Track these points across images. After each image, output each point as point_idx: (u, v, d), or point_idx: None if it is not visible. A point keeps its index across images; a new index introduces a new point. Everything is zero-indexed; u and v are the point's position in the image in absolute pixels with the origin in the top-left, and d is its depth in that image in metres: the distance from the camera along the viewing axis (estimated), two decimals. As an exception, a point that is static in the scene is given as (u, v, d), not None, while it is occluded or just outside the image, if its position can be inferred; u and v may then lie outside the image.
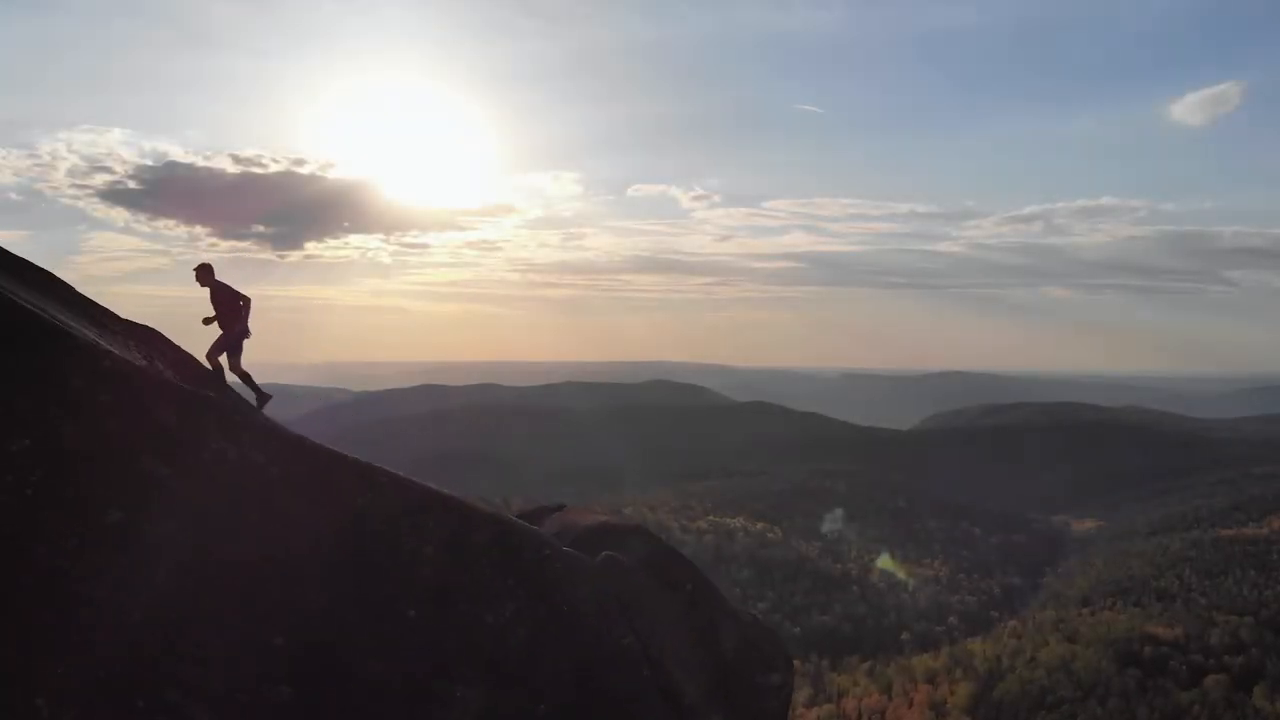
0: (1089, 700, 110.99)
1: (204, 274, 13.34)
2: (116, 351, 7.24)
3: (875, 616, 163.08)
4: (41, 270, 11.01)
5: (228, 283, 13.52)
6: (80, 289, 13.01)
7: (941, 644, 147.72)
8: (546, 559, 8.59)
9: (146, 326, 12.96)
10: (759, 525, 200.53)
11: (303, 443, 7.32)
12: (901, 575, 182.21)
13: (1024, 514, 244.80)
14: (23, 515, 5.46)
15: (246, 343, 13.59)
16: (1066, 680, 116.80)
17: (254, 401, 13.33)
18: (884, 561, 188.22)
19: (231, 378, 13.44)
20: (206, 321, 13.45)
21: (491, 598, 7.69)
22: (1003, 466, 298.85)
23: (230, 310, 13.30)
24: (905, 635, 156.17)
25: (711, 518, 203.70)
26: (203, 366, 13.14)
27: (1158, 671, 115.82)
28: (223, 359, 13.32)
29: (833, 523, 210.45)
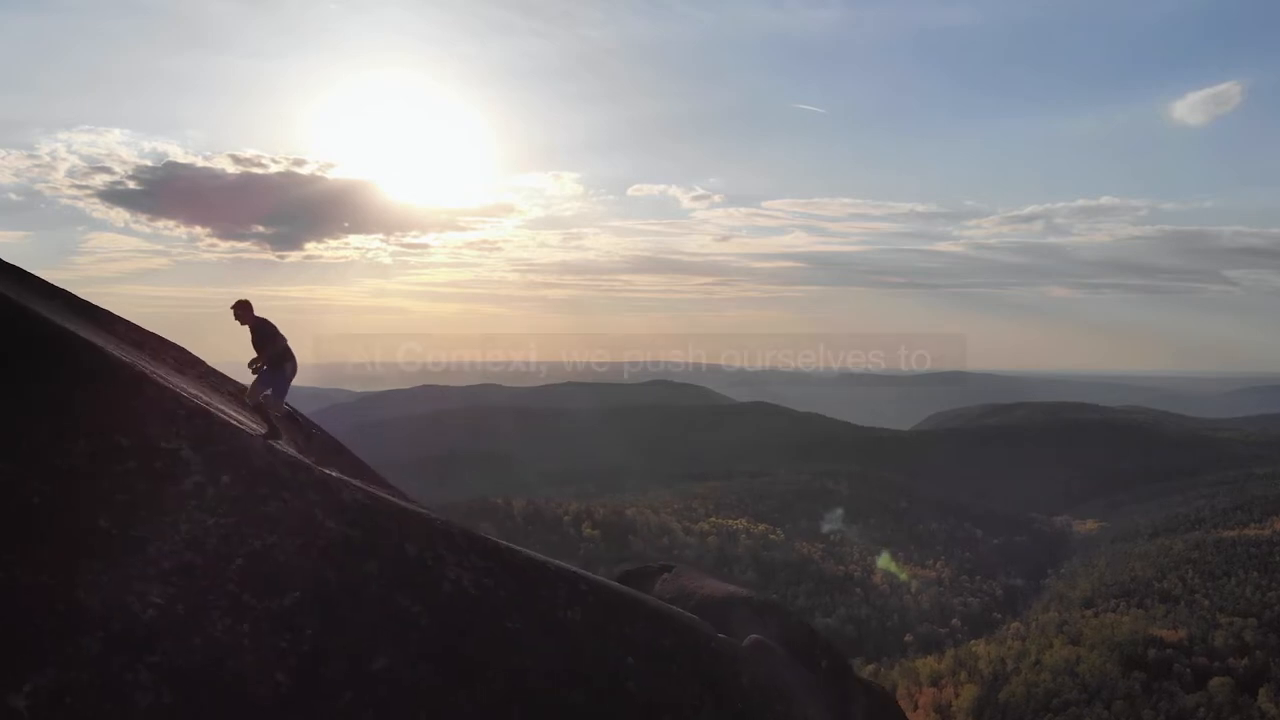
0: (1094, 703, 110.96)
1: (243, 311, 12.42)
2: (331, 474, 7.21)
3: (879, 618, 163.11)
4: (173, 343, 10.90)
5: (268, 319, 12.59)
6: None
7: (945, 646, 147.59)
8: (715, 654, 8.64)
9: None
10: (761, 527, 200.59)
11: (515, 555, 7.31)
12: (904, 577, 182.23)
13: (1025, 515, 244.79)
14: (302, 674, 5.47)
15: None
16: (1071, 683, 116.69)
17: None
18: (883, 561, 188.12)
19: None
20: (254, 365, 12.41)
21: (686, 707, 7.74)
22: (1003, 467, 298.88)
23: (270, 348, 12.39)
24: (909, 637, 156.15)
25: (714, 519, 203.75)
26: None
27: (1162, 674, 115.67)
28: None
29: (833, 522, 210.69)
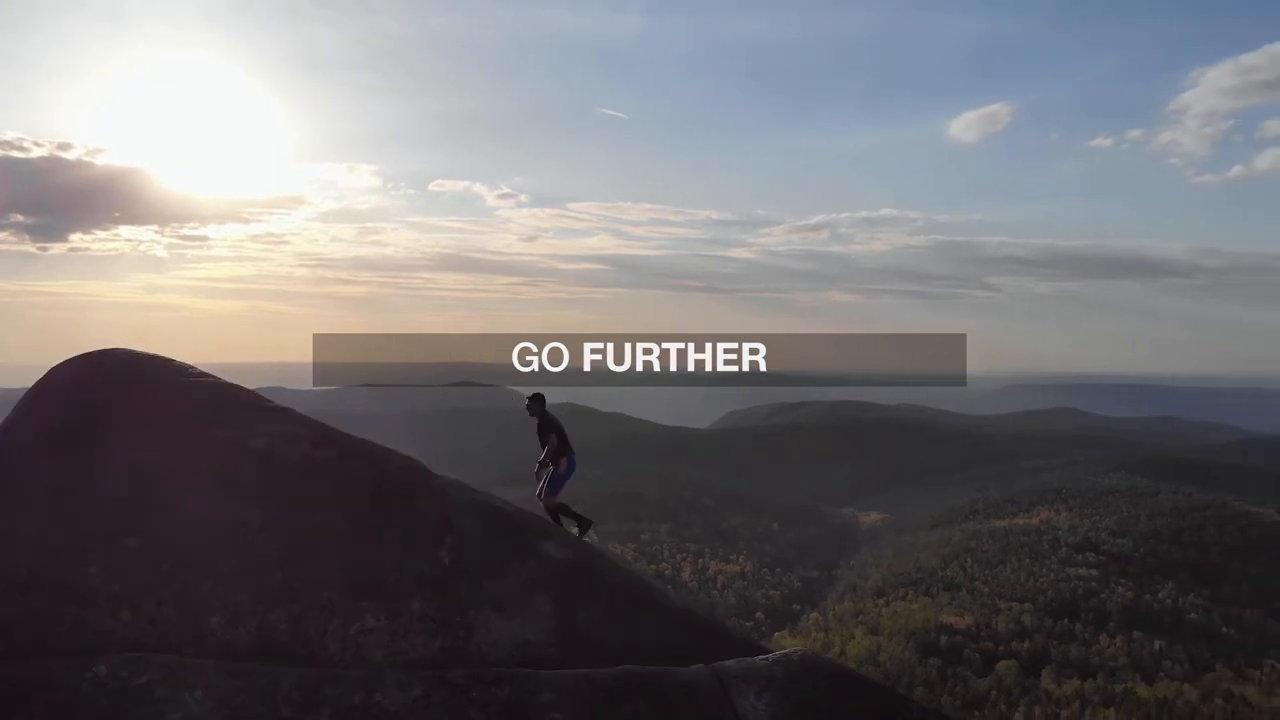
0: (897, 690, 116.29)
1: (537, 404, 13.49)
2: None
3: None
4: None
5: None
6: None
7: (752, 640, 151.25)
8: None
9: None
10: (574, 530, 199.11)
11: None
12: None
13: (815, 508, 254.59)
14: None
15: None
16: (875, 671, 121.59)
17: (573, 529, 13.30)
18: None
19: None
20: (543, 465, 13.34)
21: None
22: (793, 462, 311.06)
23: (551, 441, 13.32)
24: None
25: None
26: None
27: (955, 660, 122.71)
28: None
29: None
